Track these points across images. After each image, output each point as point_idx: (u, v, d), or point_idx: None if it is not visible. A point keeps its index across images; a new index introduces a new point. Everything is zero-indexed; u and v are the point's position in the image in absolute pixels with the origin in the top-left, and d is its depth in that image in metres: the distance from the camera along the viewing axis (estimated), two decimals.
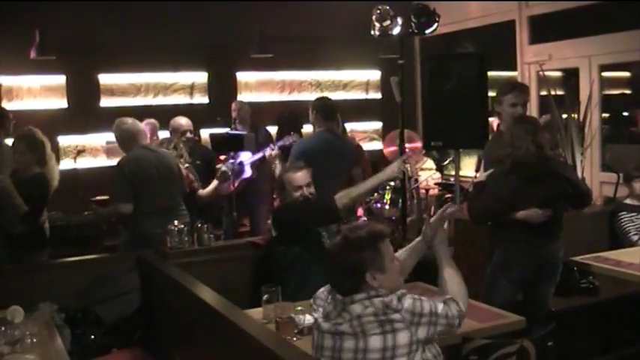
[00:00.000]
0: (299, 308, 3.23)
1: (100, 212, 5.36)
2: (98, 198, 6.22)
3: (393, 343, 2.43)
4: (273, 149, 6.14)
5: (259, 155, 6.35)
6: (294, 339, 3.07)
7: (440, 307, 2.58)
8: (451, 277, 2.86)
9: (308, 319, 3.19)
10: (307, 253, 3.86)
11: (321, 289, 2.75)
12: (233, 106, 7.09)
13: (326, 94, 8.65)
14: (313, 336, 2.63)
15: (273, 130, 7.83)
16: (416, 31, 4.83)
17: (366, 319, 2.45)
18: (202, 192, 5.56)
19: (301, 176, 4.06)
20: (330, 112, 5.66)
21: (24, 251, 4.60)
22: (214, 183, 5.63)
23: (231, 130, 6.81)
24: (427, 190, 7.23)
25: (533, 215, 4.04)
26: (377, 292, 2.52)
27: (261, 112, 8.03)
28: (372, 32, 4.85)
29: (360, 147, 6.14)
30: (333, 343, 2.50)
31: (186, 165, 5.41)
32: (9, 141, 5.42)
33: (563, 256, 4.29)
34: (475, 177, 4.79)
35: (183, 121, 5.87)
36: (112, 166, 5.28)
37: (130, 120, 4.99)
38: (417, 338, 2.48)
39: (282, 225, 3.99)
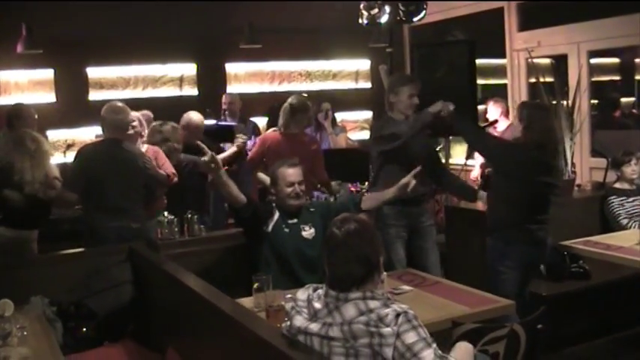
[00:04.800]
0: (289, 296, 3.23)
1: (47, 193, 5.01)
2: None
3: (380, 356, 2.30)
4: (252, 141, 6.16)
5: None
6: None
7: (427, 356, 2.27)
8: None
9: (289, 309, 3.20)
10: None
11: (300, 291, 2.57)
12: (224, 98, 7.06)
13: (315, 84, 8.69)
14: (298, 339, 2.46)
15: (263, 120, 7.82)
16: (404, 19, 4.83)
17: (356, 327, 2.32)
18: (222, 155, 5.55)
19: (294, 172, 4.07)
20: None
21: None
22: (233, 149, 5.77)
23: (221, 121, 6.81)
24: None
25: None
26: (372, 293, 2.39)
27: (251, 103, 8.03)
28: (361, 21, 4.85)
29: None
30: (320, 348, 2.38)
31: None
32: None
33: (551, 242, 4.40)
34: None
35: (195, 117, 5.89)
36: None
37: (120, 109, 4.83)
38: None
39: None
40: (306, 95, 5.82)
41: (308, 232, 4.07)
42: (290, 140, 5.45)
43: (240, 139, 5.88)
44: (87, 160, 4.74)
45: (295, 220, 4.07)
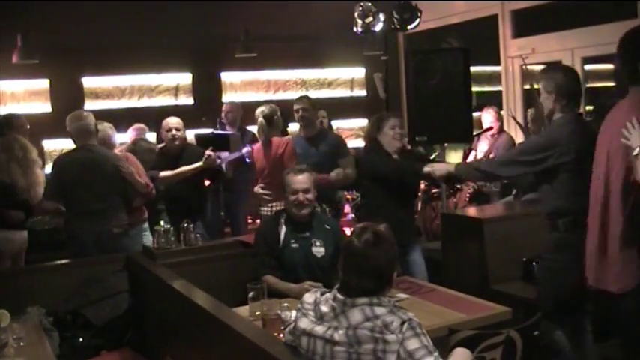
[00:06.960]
0: (285, 304, 3.24)
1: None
2: None
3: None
4: (249, 150, 6.16)
5: (236, 155, 6.33)
6: (281, 335, 3.08)
7: None
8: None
9: (294, 315, 3.20)
10: None
11: (308, 294, 2.62)
12: (226, 107, 7.04)
13: (311, 92, 8.67)
14: (301, 341, 2.51)
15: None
16: (398, 27, 4.85)
17: (360, 332, 2.36)
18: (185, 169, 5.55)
19: (300, 180, 3.98)
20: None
21: None
22: (197, 165, 5.56)
23: (217, 130, 6.80)
24: None
25: None
26: (379, 300, 2.42)
27: (246, 112, 8.04)
28: (355, 29, 4.87)
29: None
30: (323, 352, 2.42)
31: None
32: None
33: None
34: None
35: (170, 120, 5.83)
36: None
37: (84, 116, 4.96)
38: None
39: None
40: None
41: (318, 248, 3.96)
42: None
43: (209, 158, 5.57)
44: (60, 168, 4.85)
45: (307, 234, 4.00)
